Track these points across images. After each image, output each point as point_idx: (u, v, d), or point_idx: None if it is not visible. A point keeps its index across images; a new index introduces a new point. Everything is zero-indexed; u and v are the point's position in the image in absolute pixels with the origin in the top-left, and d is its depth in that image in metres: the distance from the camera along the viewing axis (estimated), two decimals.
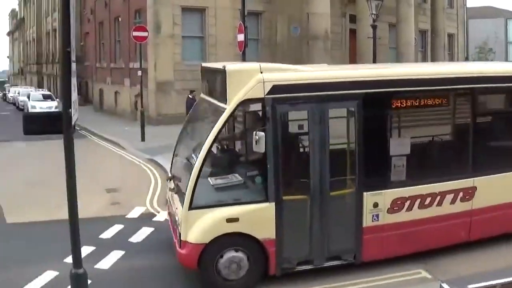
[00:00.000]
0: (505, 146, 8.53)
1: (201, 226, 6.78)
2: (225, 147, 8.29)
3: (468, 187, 7.85)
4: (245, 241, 6.90)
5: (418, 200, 7.54)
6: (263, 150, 6.71)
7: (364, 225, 7.29)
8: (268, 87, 6.86)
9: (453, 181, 7.75)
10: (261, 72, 6.95)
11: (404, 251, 7.59)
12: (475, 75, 8.14)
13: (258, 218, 6.91)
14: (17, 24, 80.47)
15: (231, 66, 7.19)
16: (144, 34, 20.30)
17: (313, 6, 23.20)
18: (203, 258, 6.82)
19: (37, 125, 21.80)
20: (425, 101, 7.68)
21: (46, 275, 7.56)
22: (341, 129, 7.67)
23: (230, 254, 6.88)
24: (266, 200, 6.89)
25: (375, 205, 7.30)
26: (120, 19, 28.96)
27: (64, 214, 5.61)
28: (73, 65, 4.79)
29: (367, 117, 7.21)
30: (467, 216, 7.88)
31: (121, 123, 25.68)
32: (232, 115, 7.12)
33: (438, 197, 7.62)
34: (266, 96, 6.84)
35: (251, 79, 6.89)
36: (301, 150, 7.68)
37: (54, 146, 14.58)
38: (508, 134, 8.54)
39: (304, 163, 7.22)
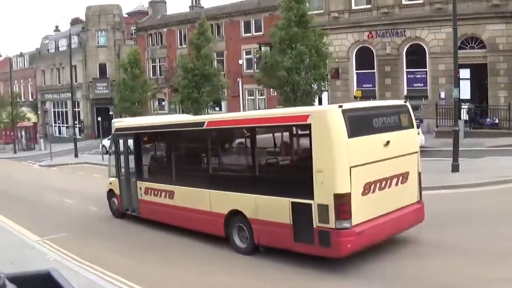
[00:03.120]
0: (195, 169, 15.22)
1: (108, 184, 18.69)
2: None
3: (171, 190, 15.10)
4: (114, 194, 17.96)
5: (155, 191, 15.69)
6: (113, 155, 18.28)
7: (139, 197, 16.50)
8: (114, 129, 18.23)
9: (165, 184, 15.40)
10: (118, 122, 19.21)
11: (159, 220, 15.74)
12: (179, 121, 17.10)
13: (115, 184, 17.85)
14: None
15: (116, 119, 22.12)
16: None
17: None
18: (108, 198, 18.48)
19: None
20: (161, 137, 16.72)
21: None
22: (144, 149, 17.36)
23: (113, 199, 18.15)
24: (116, 176, 17.73)
25: (140, 188, 16.38)
26: None
27: None
28: None
29: (136, 144, 16.93)
30: (172, 209, 14.95)
31: None
32: (112, 141, 18.58)
33: (163, 193, 15.36)
34: (114, 133, 18.14)
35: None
36: (137, 159, 16.96)
37: None
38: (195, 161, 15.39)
39: (135, 165, 16.93)
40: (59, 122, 62.92)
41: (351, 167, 10.28)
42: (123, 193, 17.32)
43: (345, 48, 36.35)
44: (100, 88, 55.89)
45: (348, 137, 10.31)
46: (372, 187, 10.75)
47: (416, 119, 30.78)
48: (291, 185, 11.40)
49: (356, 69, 37.20)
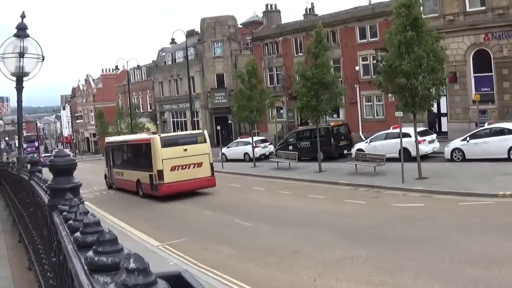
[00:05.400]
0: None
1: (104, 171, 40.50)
2: None
3: (123, 172, 35.42)
4: (106, 176, 38.98)
5: (119, 172, 36.06)
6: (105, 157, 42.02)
7: (114, 177, 37.12)
8: (106, 142, 41.08)
9: (121, 169, 35.95)
10: (107, 139, 43.10)
11: (121, 188, 35.64)
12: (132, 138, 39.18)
13: (107, 171, 38.94)
14: None
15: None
16: None
17: None
18: (105, 179, 39.55)
19: None
20: (126, 148, 36.15)
21: None
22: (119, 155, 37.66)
23: (106, 179, 39.03)
24: (107, 167, 38.83)
25: (114, 172, 37.09)
26: None
27: None
28: None
29: (112, 151, 38.05)
30: (124, 181, 35.17)
31: None
32: (105, 148, 42.42)
33: (120, 173, 35.78)
34: (105, 144, 40.91)
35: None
36: (111, 158, 37.60)
37: None
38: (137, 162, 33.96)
39: (111, 161, 37.72)
40: (178, 131, 68.13)
41: (163, 159, 28.68)
42: (109, 175, 37.89)
43: (462, 52, 38.38)
44: (219, 97, 61.75)
45: (162, 147, 28.88)
46: (176, 168, 28.68)
47: None
48: (148, 167, 29.65)
49: (473, 73, 38.91)
